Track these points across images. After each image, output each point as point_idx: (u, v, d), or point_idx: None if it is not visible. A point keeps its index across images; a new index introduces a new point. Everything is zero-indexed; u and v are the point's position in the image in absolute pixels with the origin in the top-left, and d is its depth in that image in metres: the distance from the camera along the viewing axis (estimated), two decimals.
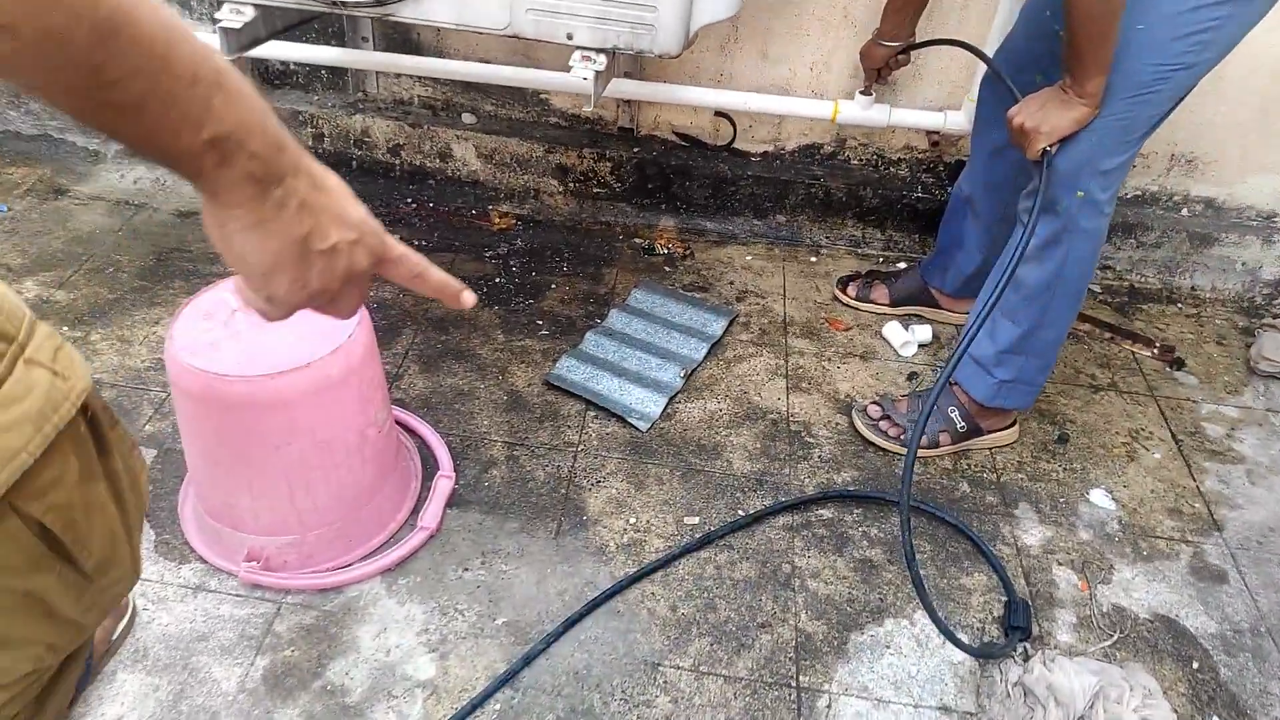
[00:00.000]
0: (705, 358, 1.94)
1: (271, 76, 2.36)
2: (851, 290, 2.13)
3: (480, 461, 1.67)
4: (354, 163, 2.38)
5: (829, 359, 1.98)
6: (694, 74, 2.20)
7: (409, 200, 2.38)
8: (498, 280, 2.14)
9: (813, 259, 2.30)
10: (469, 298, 0.68)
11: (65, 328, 1.88)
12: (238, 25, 1.66)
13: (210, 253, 2.12)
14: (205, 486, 1.43)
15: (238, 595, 1.41)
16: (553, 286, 2.13)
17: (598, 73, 1.61)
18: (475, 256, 2.21)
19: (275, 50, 2.12)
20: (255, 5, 1.67)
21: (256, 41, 1.77)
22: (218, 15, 1.66)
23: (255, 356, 1.29)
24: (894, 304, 2.11)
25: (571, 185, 2.34)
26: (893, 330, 2.04)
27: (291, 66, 2.33)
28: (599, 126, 2.34)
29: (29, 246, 2.11)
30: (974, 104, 2.03)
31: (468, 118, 2.33)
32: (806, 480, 1.69)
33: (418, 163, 2.36)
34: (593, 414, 1.79)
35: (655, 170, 2.28)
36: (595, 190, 2.34)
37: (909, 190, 2.26)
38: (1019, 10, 1.74)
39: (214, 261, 2.10)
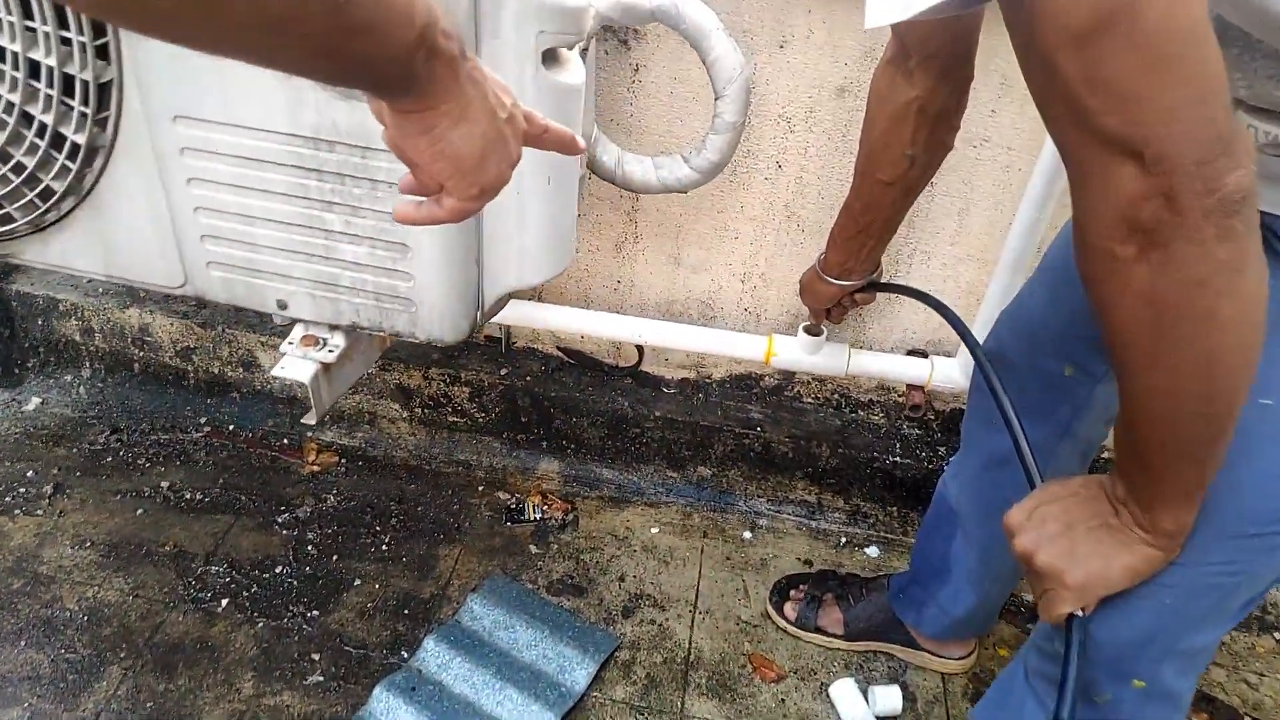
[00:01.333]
0: None
1: None
2: (790, 610, 1.46)
3: None
4: (135, 365, 1.77)
5: None
6: (580, 278, 1.57)
7: (201, 422, 1.75)
8: (279, 570, 1.49)
9: (746, 534, 1.63)
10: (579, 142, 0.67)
11: None
12: None
13: None
14: None
15: None
16: (357, 582, 1.48)
17: (326, 365, 0.97)
18: (263, 523, 1.57)
19: None
20: None
21: None
22: None
23: None
24: (850, 636, 1.43)
25: (418, 411, 1.70)
26: (844, 693, 1.35)
27: None
28: None
29: None
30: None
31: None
32: None
33: (215, 370, 1.74)
34: None
35: (530, 401, 1.64)
36: (451, 419, 1.70)
37: (884, 448, 1.58)
38: (1045, 256, 1.08)
39: None
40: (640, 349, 1.64)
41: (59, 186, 0.92)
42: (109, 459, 1.67)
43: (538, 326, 1.51)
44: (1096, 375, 1.05)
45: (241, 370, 1.73)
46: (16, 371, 1.79)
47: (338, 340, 1.00)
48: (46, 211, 0.95)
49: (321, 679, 1.33)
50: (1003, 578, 1.29)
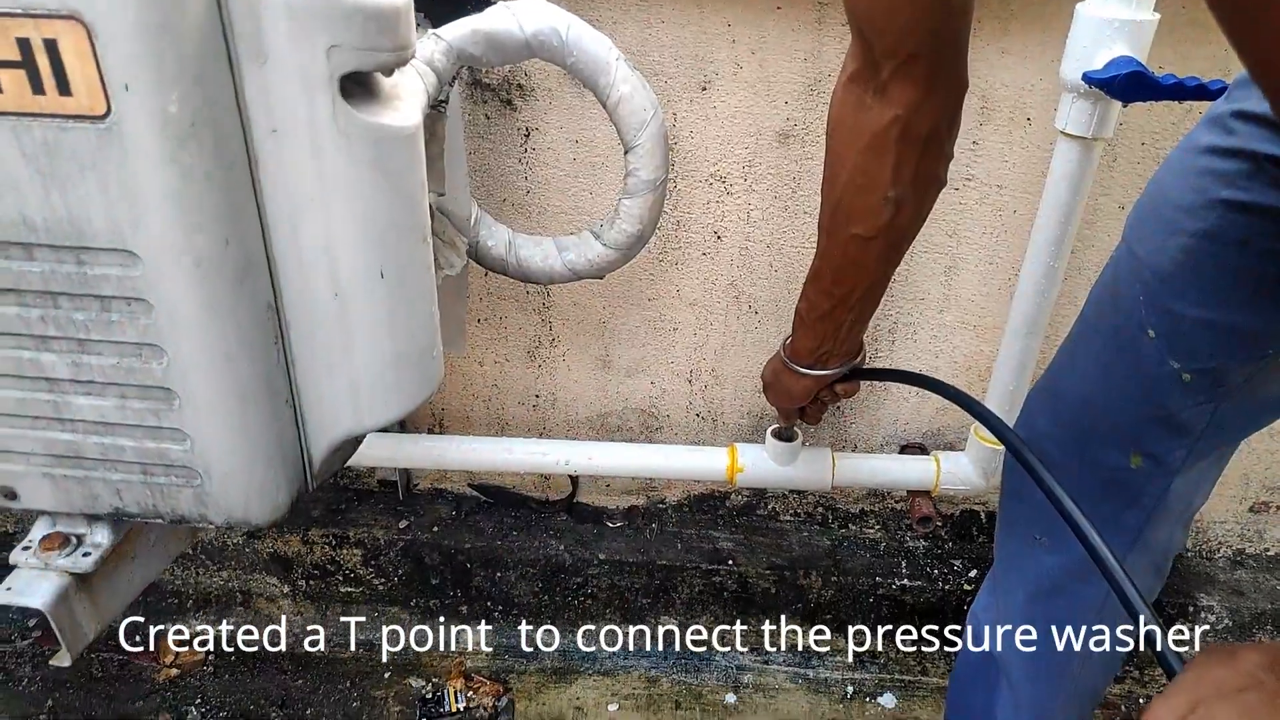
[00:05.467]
0: None
1: None
2: None
3: None
4: None
5: None
6: (489, 397, 1.26)
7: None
8: None
9: (729, 698, 1.29)
10: None
11: None
12: None
13: None
14: None
15: None
16: None
17: (82, 576, 0.65)
18: None
19: None
20: None
21: None
22: None
23: None
24: None
25: (302, 584, 1.35)
26: None
27: None
28: (346, 480, 1.38)
29: None
30: (991, 451, 1.08)
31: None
32: None
33: None
34: None
35: (440, 557, 1.30)
36: (343, 590, 1.35)
37: (886, 569, 1.28)
38: (1084, 313, 0.81)
39: None
40: (574, 478, 1.32)
41: None
42: None
43: (438, 465, 1.19)
44: (1173, 466, 0.78)
45: None
46: None
47: (99, 537, 0.67)
48: None
49: None
50: None
